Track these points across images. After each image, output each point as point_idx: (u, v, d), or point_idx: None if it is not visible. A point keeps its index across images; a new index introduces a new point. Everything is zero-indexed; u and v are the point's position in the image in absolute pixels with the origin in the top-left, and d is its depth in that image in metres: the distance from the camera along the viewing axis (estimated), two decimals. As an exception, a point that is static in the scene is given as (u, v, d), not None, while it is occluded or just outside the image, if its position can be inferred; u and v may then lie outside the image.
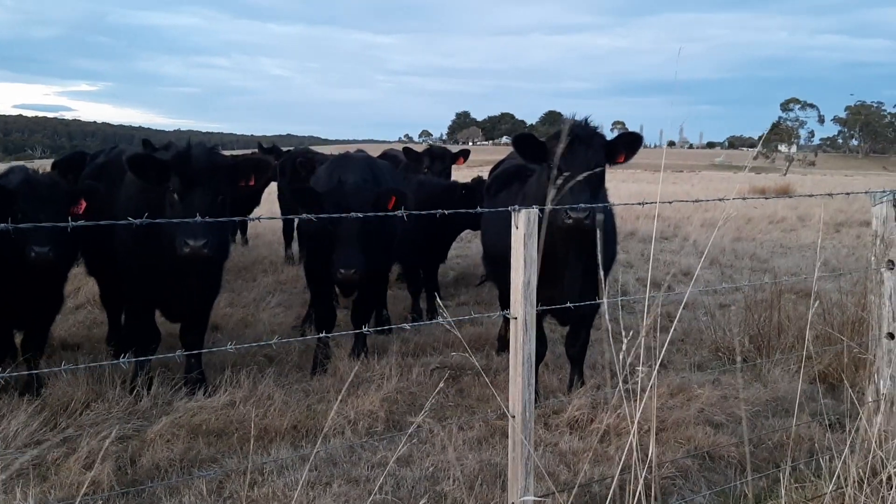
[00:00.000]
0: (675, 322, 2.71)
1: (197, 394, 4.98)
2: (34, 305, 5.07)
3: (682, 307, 2.73)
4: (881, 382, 4.06)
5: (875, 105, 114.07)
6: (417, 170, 8.93)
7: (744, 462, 4.29)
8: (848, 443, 3.51)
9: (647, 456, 2.80)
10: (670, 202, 4.05)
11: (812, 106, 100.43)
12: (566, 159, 4.60)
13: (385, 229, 5.66)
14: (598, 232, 3.71)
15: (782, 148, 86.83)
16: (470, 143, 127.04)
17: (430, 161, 9.17)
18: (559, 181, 3.95)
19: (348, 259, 5.31)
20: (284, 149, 13.34)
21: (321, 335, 4.86)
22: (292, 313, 7.54)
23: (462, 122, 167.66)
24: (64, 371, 3.55)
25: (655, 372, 2.65)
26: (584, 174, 3.87)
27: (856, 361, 5.03)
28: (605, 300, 3.35)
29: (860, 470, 3.41)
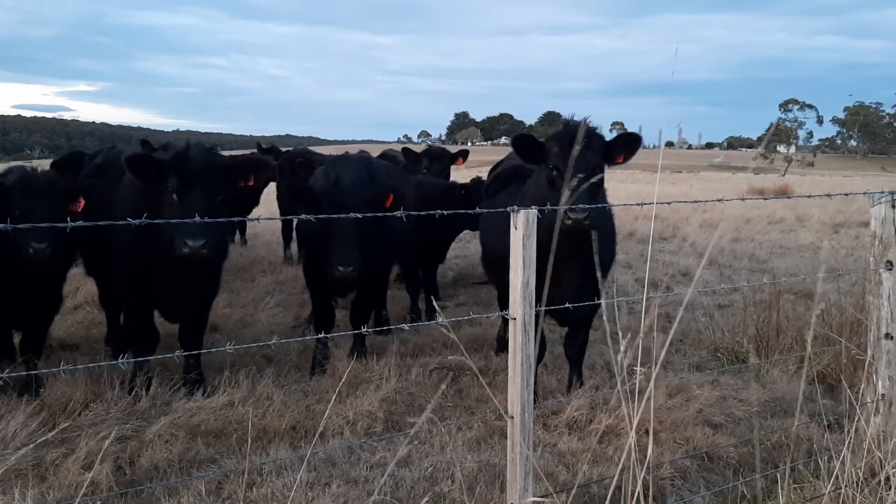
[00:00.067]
0: (676, 323, 2.70)
1: (196, 394, 4.97)
2: (33, 305, 5.06)
3: (682, 308, 2.72)
4: (880, 383, 4.06)
5: (873, 106, 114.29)
6: (416, 170, 8.93)
7: (742, 462, 4.31)
8: (846, 443, 3.52)
9: (646, 457, 2.80)
10: (669, 203, 4.05)
11: (811, 107, 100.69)
12: (565, 160, 4.61)
13: (383, 228, 5.66)
14: (593, 233, 3.71)
15: (781, 148, 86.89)
16: (469, 144, 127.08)
17: (429, 161, 9.17)
18: (573, 182, 3.94)
19: (346, 257, 5.30)
20: (283, 149, 13.34)
21: (320, 335, 4.86)
22: (291, 313, 7.53)
23: (461, 123, 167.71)
24: (62, 371, 3.55)
25: (655, 373, 2.65)
26: (595, 177, 3.86)
27: (854, 362, 5.03)
28: (604, 301, 3.35)
29: (858, 470, 3.41)
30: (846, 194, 5.01)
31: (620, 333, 2.77)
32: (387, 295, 7.52)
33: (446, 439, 4.40)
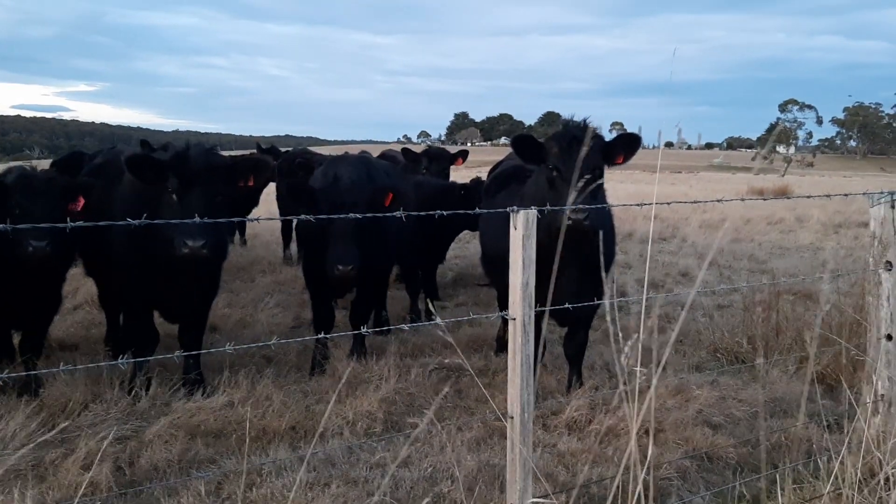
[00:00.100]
0: (679, 323, 2.70)
1: (195, 394, 4.97)
2: (32, 306, 5.06)
3: (685, 309, 2.73)
4: (879, 383, 4.06)
5: (873, 106, 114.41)
6: (416, 170, 8.93)
7: (742, 463, 4.31)
8: (846, 444, 3.52)
9: (646, 457, 2.80)
10: (668, 203, 4.05)
11: (810, 107, 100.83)
12: (564, 161, 4.61)
13: (382, 228, 5.65)
14: (600, 233, 3.72)
15: (780, 149, 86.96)
16: (468, 144, 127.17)
17: (429, 162, 9.17)
18: (580, 184, 3.94)
19: (345, 256, 5.28)
20: (283, 149, 13.36)
21: (319, 336, 4.87)
22: (290, 314, 7.53)
23: (460, 123, 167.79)
24: (62, 372, 3.55)
25: (657, 374, 2.65)
26: (597, 181, 3.87)
27: (854, 362, 5.03)
28: (606, 301, 3.35)
29: (858, 471, 3.41)
30: (846, 195, 5.01)
31: (621, 334, 2.77)
32: (387, 295, 7.52)
33: (446, 440, 4.40)
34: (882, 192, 4.02)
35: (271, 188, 10.87)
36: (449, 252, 8.89)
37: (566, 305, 3.51)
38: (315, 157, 9.84)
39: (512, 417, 3.11)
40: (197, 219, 3.89)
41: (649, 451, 2.66)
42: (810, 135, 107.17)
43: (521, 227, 2.99)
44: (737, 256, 11.68)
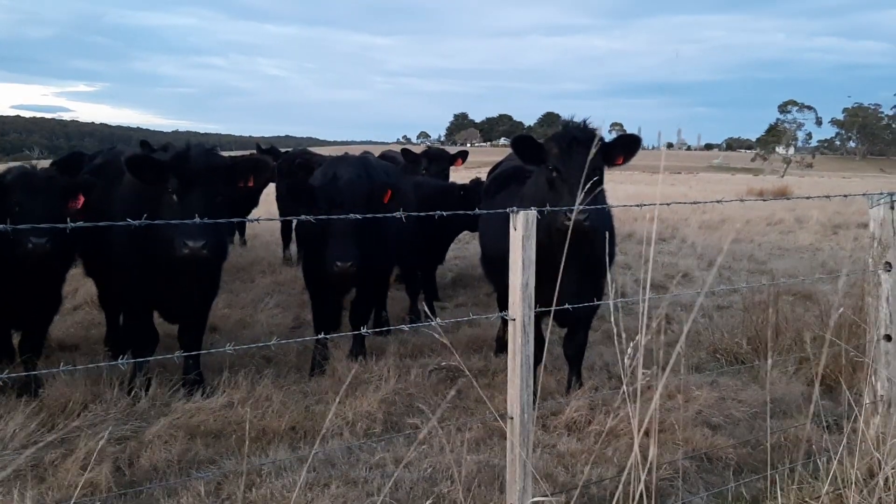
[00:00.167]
0: (687, 325, 2.71)
1: (195, 395, 4.97)
2: (32, 306, 5.06)
3: (695, 311, 2.73)
4: (879, 384, 4.06)
5: (872, 107, 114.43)
6: (415, 171, 8.93)
7: (742, 463, 4.31)
8: (845, 444, 3.52)
9: (646, 458, 2.80)
10: (668, 203, 4.05)
11: (809, 108, 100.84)
12: (564, 161, 4.61)
13: (382, 227, 5.65)
14: (606, 234, 3.72)
15: (780, 150, 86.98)
16: (468, 145, 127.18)
17: (428, 162, 9.17)
18: (587, 186, 3.94)
19: (344, 253, 5.27)
20: (282, 150, 13.35)
21: (319, 336, 4.87)
22: (290, 314, 7.53)
23: (460, 124, 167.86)
24: (62, 372, 3.55)
25: (664, 377, 2.66)
26: (598, 184, 3.86)
27: (853, 363, 5.03)
28: (606, 302, 3.35)
29: (858, 471, 3.41)
30: (845, 195, 5.01)
31: (625, 335, 2.78)
32: (387, 296, 7.52)
33: (445, 440, 4.40)
34: (881, 193, 4.02)
35: (271, 189, 10.87)
36: (448, 253, 8.89)
37: (566, 306, 3.51)
38: (315, 157, 9.84)
39: (512, 418, 3.11)
40: (197, 219, 3.89)
41: (652, 452, 2.67)
42: (810, 136, 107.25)
43: (521, 228, 2.99)
44: (736, 257, 11.68)
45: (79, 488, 3.58)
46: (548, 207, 4.11)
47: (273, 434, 4.53)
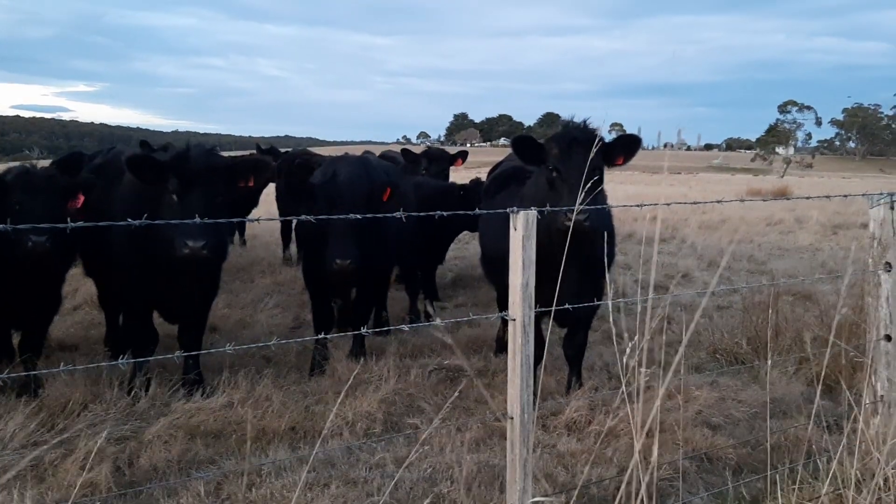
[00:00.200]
0: (693, 326, 2.71)
1: (195, 395, 4.97)
2: (32, 306, 5.06)
3: (698, 311, 2.73)
4: (878, 384, 4.06)
5: (872, 107, 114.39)
6: (415, 171, 8.93)
7: (742, 464, 4.31)
8: (845, 444, 3.52)
9: (645, 458, 2.80)
10: (668, 204, 4.06)
11: (809, 108, 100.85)
12: (564, 162, 4.61)
13: (382, 227, 5.64)
14: (606, 234, 3.72)
15: (780, 150, 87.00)
16: (468, 145, 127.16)
17: (428, 162, 9.18)
18: (587, 186, 3.94)
19: (343, 250, 5.26)
20: (282, 150, 13.35)
21: (319, 336, 4.87)
22: (290, 314, 7.53)
23: (460, 124, 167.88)
24: (62, 372, 3.55)
25: (668, 376, 2.66)
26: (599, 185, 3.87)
27: (853, 363, 5.04)
28: (609, 302, 3.34)
29: (857, 472, 3.41)
30: (845, 196, 5.02)
31: (627, 335, 2.78)
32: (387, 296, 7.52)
33: (445, 440, 4.40)
34: (881, 194, 4.02)
35: (271, 189, 10.88)
36: (448, 253, 8.89)
37: (566, 306, 3.51)
38: (315, 157, 9.84)
39: (512, 418, 3.11)
40: (198, 219, 3.90)
41: (654, 452, 2.67)
42: (809, 136, 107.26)
43: (521, 228, 2.99)
44: (736, 257, 11.68)
45: (78, 488, 3.57)
46: (548, 207, 4.10)
47: (273, 434, 4.53)
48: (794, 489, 3.55)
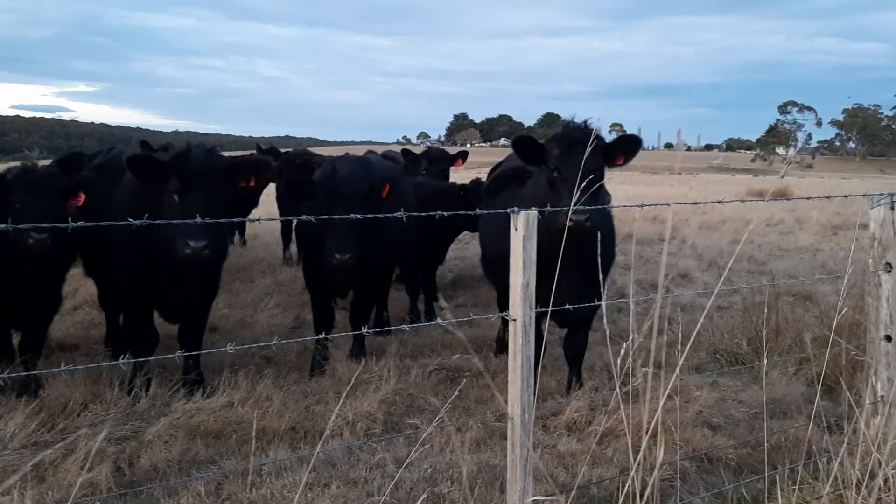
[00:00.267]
0: (698, 326, 2.71)
1: (195, 395, 4.97)
2: (32, 306, 5.06)
3: (705, 311, 2.73)
4: (879, 385, 4.06)
5: (872, 108, 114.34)
6: (416, 171, 8.93)
7: (742, 464, 4.31)
8: (845, 445, 3.52)
9: (644, 458, 2.80)
10: (668, 204, 4.05)
11: (809, 109, 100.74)
12: (565, 162, 4.61)
13: (383, 226, 5.63)
14: (606, 235, 3.72)
15: (780, 150, 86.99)
16: (468, 145, 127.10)
17: (428, 163, 9.18)
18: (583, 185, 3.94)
19: (343, 245, 5.25)
20: (283, 150, 13.35)
21: (319, 336, 4.87)
22: (290, 314, 7.53)
23: (460, 124, 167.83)
24: (62, 372, 3.55)
25: (673, 378, 2.66)
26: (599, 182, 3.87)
27: (853, 364, 5.04)
28: (602, 303, 3.35)
29: (858, 472, 3.41)
30: (846, 196, 5.02)
31: (611, 335, 2.78)
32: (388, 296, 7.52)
33: (445, 441, 4.40)
34: (882, 194, 4.02)
35: (271, 189, 10.88)
36: (448, 253, 8.89)
37: (567, 306, 3.51)
38: (315, 157, 9.84)
39: (512, 418, 3.11)
40: (198, 219, 3.90)
41: (659, 453, 2.66)
42: (809, 136, 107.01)
43: (522, 228, 2.99)
44: (736, 258, 11.66)
45: (78, 488, 3.58)
46: (549, 208, 4.11)
47: (273, 434, 4.53)
48: (794, 489, 3.55)
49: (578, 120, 4.86)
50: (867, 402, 4.08)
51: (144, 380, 5.02)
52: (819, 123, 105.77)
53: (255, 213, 11.14)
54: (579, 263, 4.68)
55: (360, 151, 8.78)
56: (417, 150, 10.11)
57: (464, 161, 9.67)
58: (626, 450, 4.07)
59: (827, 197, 5.17)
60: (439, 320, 2.97)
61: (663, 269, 2.92)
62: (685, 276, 10.03)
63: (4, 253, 4.57)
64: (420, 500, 3.45)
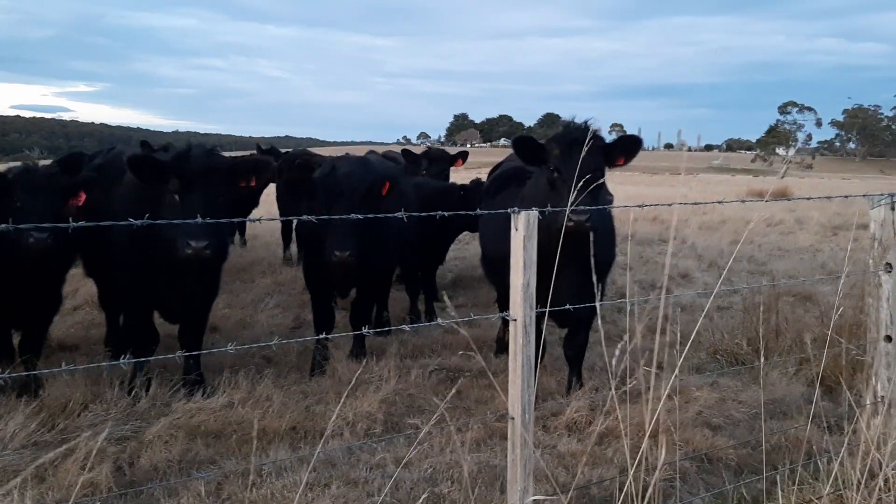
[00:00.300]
0: (697, 326, 2.71)
1: (195, 395, 4.97)
2: (32, 306, 5.06)
3: (704, 311, 2.73)
4: (879, 385, 4.07)
5: (872, 109, 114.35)
6: (416, 172, 8.93)
7: (742, 464, 4.31)
8: (846, 445, 3.52)
9: (646, 459, 2.80)
10: (670, 204, 4.06)
11: (810, 109, 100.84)
12: (565, 162, 4.61)
13: (383, 226, 5.63)
14: (606, 235, 3.72)
15: (780, 151, 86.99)
16: (468, 145, 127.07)
17: (429, 163, 9.18)
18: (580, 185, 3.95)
19: (342, 243, 5.24)
20: (283, 150, 13.35)
21: (320, 336, 4.86)
22: (290, 315, 7.53)
23: (460, 124, 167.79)
24: (62, 372, 3.55)
25: (672, 377, 2.66)
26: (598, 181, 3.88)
27: (853, 364, 5.04)
28: (598, 304, 3.34)
29: (858, 472, 3.41)
30: (846, 196, 5.02)
31: (637, 336, 2.77)
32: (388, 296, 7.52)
33: (445, 440, 4.40)
34: (882, 195, 4.03)
35: (271, 189, 10.88)
36: (448, 253, 8.89)
37: (567, 307, 3.51)
38: (315, 157, 9.84)
39: (513, 418, 3.11)
40: (199, 219, 3.90)
41: (661, 453, 2.66)
42: (810, 137, 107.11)
43: (523, 228, 3.00)
44: (736, 258, 11.68)
45: (79, 488, 3.57)
46: (549, 208, 4.11)
47: (274, 434, 4.53)
48: (794, 490, 3.55)
49: (579, 120, 4.86)
50: (867, 402, 4.09)
51: (145, 380, 5.02)
52: (819, 124, 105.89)
53: (255, 214, 11.14)
54: (579, 264, 4.67)
55: (360, 152, 8.78)
56: (417, 150, 10.11)
57: (464, 161, 9.67)
58: (627, 450, 4.08)
59: (827, 197, 5.18)
60: (440, 320, 2.97)
61: (668, 270, 2.92)
62: (685, 277, 10.03)
63: (5, 253, 4.57)
64: (420, 501, 3.45)
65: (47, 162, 6.07)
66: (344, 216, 4.23)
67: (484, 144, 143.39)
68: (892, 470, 3.44)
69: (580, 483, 3.76)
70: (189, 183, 4.70)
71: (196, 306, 5.37)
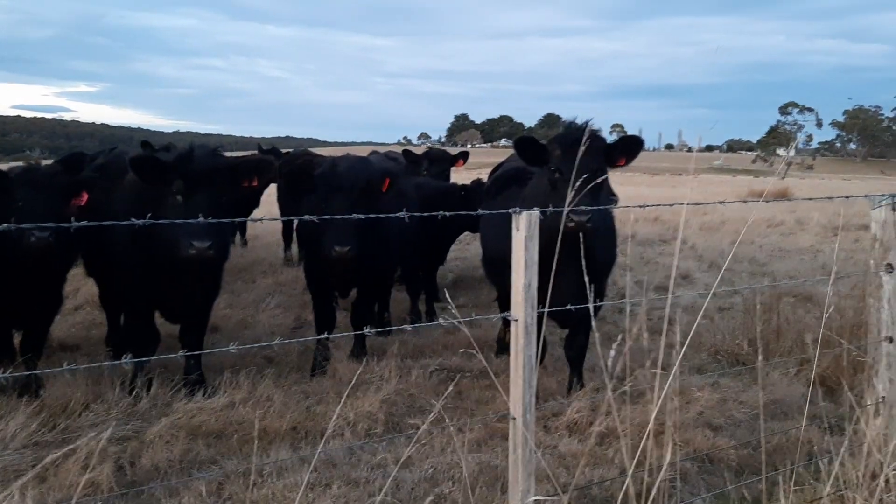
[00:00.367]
0: (695, 326, 2.71)
1: (196, 395, 4.97)
2: (33, 305, 5.06)
3: (702, 311, 2.73)
4: (880, 386, 4.07)
5: (872, 109, 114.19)
6: (416, 172, 8.94)
7: (743, 465, 4.31)
8: (847, 445, 3.52)
9: (645, 458, 2.80)
10: (671, 205, 4.06)
11: (810, 110, 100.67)
12: (567, 162, 4.61)
13: (384, 226, 5.62)
14: (581, 236, 3.72)
15: (781, 151, 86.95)
16: (469, 146, 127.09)
17: (429, 163, 9.18)
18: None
19: (342, 237, 5.23)
20: (283, 150, 13.36)
21: (321, 336, 4.86)
22: (291, 315, 7.54)
23: (460, 125, 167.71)
24: (63, 372, 3.55)
25: (672, 376, 2.66)
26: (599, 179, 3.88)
27: (854, 365, 5.04)
28: (591, 305, 3.33)
29: (859, 473, 3.41)
30: (847, 197, 5.02)
31: (626, 335, 2.77)
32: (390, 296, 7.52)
33: (446, 441, 4.40)
34: (883, 195, 4.03)
35: (272, 189, 10.88)
36: (449, 254, 8.90)
37: (568, 307, 3.51)
38: (316, 157, 9.85)
39: (514, 418, 3.11)
40: (201, 219, 3.90)
41: (667, 453, 2.66)
42: (810, 137, 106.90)
43: (524, 229, 3.00)
44: (737, 259, 11.68)
45: (80, 488, 3.57)
46: (550, 208, 4.11)
47: (274, 434, 4.53)
48: (795, 490, 3.55)
49: (580, 121, 4.86)
50: (868, 402, 4.09)
51: (146, 380, 5.03)
52: (819, 124, 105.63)
53: (256, 214, 11.15)
54: (580, 264, 4.67)
55: (361, 152, 8.78)
56: (418, 150, 10.12)
57: (465, 162, 9.68)
58: (628, 451, 4.08)
59: (828, 198, 5.18)
60: (441, 320, 2.97)
61: (674, 271, 2.92)
62: (686, 277, 10.03)
63: (6, 252, 4.57)
64: (421, 501, 3.46)
65: (48, 162, 6.07)
66: (345, 216, 4.23)
67: (485, 145, 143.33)
68: (893, 471, 3.44)
69: (581, 483, 3.76)
70: (192, 183, 4.71)
71: (197, 306, 5.38)
